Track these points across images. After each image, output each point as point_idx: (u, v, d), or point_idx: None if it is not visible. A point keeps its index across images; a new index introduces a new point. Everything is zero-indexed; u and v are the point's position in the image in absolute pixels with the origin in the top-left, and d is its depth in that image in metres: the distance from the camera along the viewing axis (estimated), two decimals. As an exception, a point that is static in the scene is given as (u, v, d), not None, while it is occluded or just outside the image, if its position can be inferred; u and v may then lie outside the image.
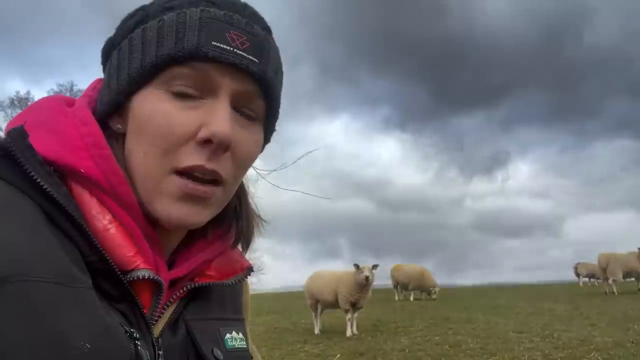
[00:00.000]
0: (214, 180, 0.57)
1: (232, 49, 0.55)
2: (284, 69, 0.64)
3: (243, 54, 0.56)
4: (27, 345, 0.40)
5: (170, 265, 0.63)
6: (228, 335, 0.66)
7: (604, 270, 16.64)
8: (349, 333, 9.09)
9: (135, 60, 0.56)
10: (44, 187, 0.49)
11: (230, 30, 0.56)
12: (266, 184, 0.77)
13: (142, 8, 0.60)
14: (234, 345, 0.66)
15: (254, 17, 0.61)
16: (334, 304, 9.57)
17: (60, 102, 0.59)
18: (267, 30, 0.63)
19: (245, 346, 0.68)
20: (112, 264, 0.51)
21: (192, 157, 0.54)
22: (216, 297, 0.69)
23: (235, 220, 0.70)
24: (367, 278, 8.89)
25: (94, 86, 0.65)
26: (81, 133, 0.55)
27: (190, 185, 0.55)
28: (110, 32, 0.63)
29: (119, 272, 0.52)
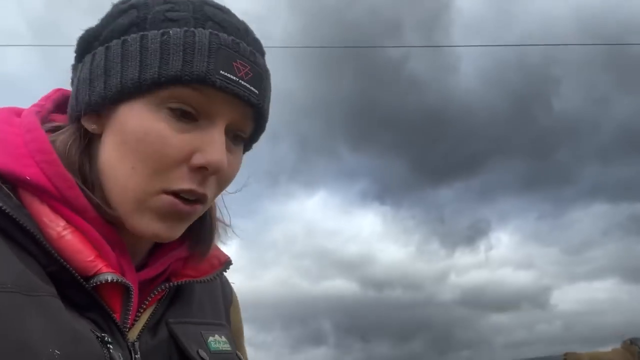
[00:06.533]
0: (198, 200, 0.57)
1: (237, 79, 0.55)
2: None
3: (247, 85, 0.56)
4: None
5: (143, 267, 0.61)
6: (211, 338, 0.64)
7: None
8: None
9: (132, 70, 0.54)
10: None
11: (237, 59, 0.56)
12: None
13: (135, 6, 0.57)
14: (218, 347, 0.64)
15: (256, 45, 0.61)
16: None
17: (6, 113, 0.59)
18: (263, 54, 0.63)
19: (229, 349, 0.66)
20: (72, 271, 0.50)
21: (184, 181, 0.54)
22: (197, 299, 0.68)
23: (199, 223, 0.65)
24: None
25: (48, 96, 0.64)
26: (25, 140, 0.54)
27: (180, 205, 0.55)
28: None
29: (80, 279, 0.50)
